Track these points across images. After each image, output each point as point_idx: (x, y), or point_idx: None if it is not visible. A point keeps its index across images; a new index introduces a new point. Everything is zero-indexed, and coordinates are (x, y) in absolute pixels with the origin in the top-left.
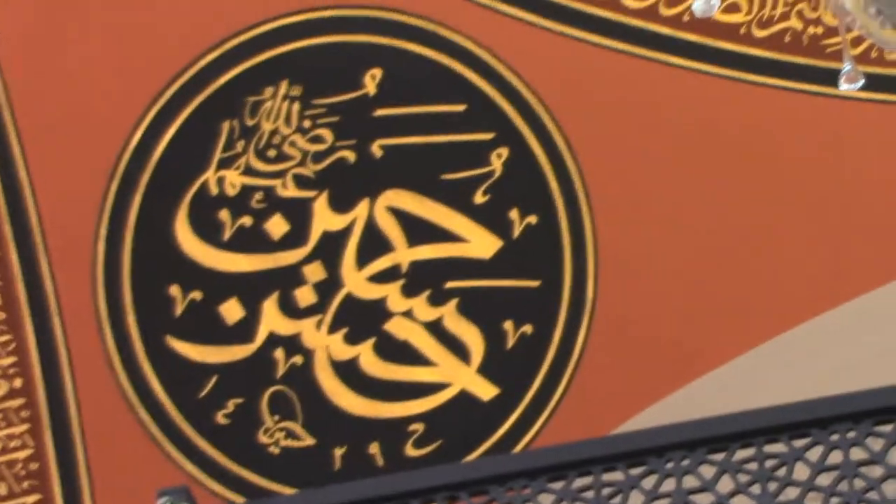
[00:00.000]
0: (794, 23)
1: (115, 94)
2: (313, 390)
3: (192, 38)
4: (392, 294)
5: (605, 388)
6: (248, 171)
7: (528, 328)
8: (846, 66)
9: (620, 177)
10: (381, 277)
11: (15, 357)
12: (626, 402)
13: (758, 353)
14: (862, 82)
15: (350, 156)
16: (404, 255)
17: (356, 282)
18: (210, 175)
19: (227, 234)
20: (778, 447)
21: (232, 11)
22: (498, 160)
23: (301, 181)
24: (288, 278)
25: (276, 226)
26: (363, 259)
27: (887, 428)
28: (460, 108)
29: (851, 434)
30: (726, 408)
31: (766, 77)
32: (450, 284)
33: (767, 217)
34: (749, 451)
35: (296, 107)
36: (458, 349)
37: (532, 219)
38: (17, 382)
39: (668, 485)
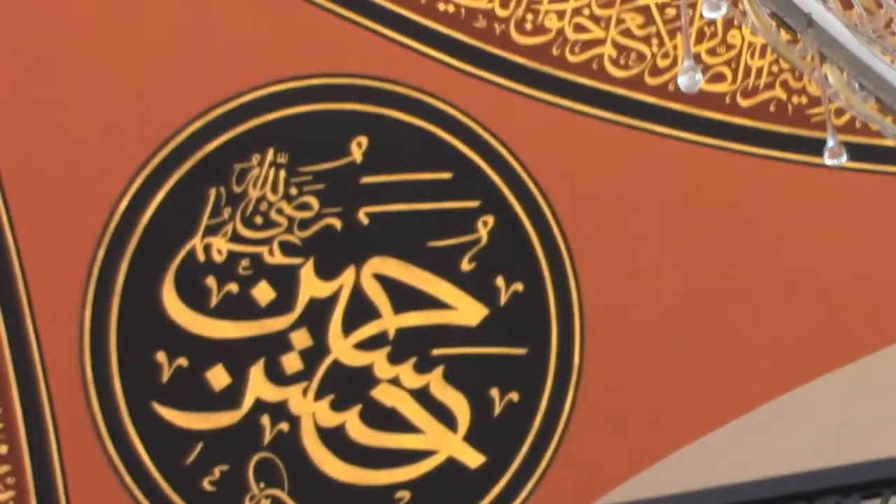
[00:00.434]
0: (779, 92)
1: (102, 160)
2: (300, 457)
3: (180, 106)
4: (378, 361)
5: (593, 456)
6: (235, 237)
7: (514, 395)
8: (829, 142)
9: (606, 244)
10: (368, 344)
11: (0, 423)
12: (614, 469)
13: (744, 421)
14: (845, 158)
15: (336, 223)
16: (391, 322)
17: (343, 349)
18: (197, 242)
19: (213, 301)
20: None
21: (219, 79)
22: (484, 228)
23: (288, 248)
24: (274, 345)
25: (263, 292)
26: (350, 326)
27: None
28: (446, 175)
29: None
30: (712, 476)
31: (750, 146)
32: (436, 352)
33: (752, 286)
34: None
35: (282, 174)
36: (445, 416)
37: (518, 286)
38: (3, 449)
39: None
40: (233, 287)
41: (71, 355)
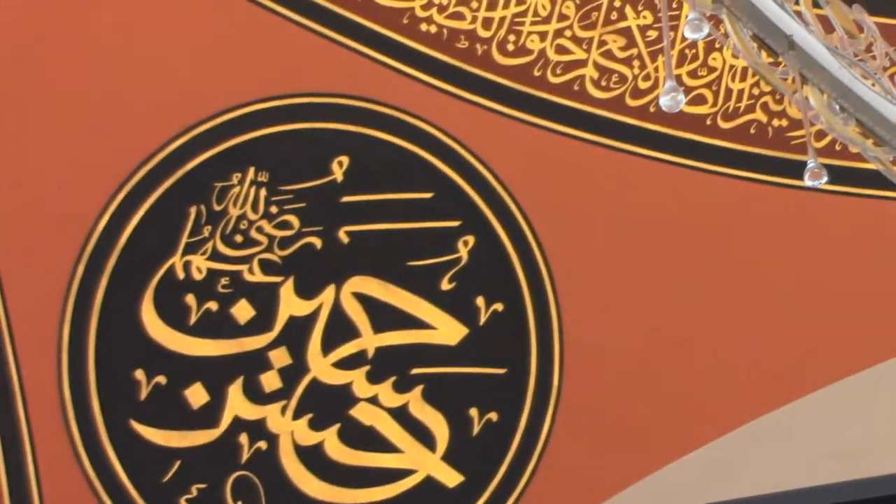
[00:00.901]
0: (759, 115)
1: (82, 178)
2: (277, 476)
3: (161, 124)
4: (357, 380)
5: (571, 476)
6: (215, 255)
7: (493, 415)
8: (810, 163)
9: (586, 265)
10: (347, 363)
11: None
12: (592, 489)
13: (724, 441)
14: (825, 179)
15: (317, 242)
16: (370, 341)
17: (322, 367)
18: (177, 260)
19: (192, 319)
20: None
21: (200, 98)
22: (464, 247)
23: (267, 266)
24: (253, 363)
25: (242, 311)
26: (329, 345)
27: None
28: (427, 195)
29: None
30: (692, 496)
31: (731, 168)
32: (415, 371)
33: (733, 306)
34: None
35: (263, 193)
36: (424, 436)
37: (498, 306)
38: None
39: None
40: (212, 305)
41: (49, 372)
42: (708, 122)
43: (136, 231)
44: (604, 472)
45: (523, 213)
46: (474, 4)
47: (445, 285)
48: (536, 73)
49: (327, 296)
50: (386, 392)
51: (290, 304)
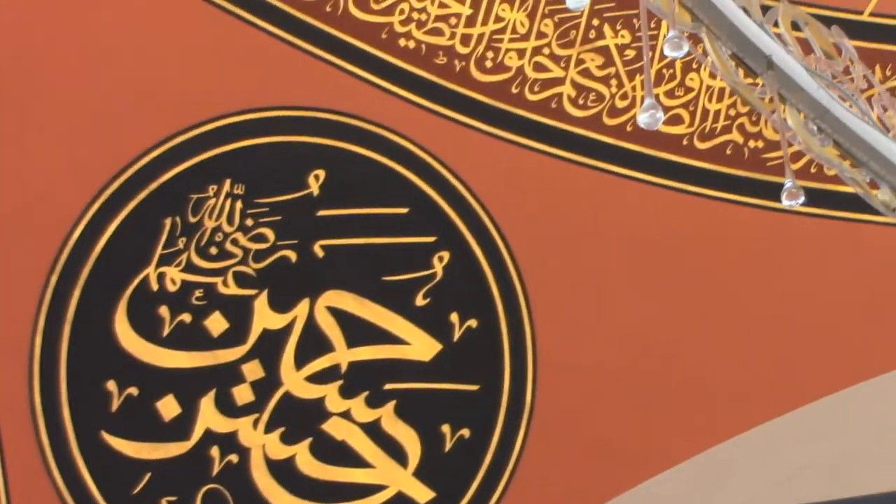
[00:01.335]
0: (736, 136)
1: (58, 187)
2: (248, 489)
3: (137, 135)
4: (330, 394)
5: (543, 493)
6: (189, 267)
7: (465, 431)
8: (787, 183)
9: (561, 282)
10: (320, 377)
11: None
12: None
13: (700, 459)
14: (803, 199)
15: (292, 255)
16: (343, 355)
17: (294, 381)
18: (151, 271)
19: (166, 330)
20: None
21: (177, 109)
22: (439, 263)
23: (242, 279)
24: (226, 376)
25: (216, 323)
26: (302, 359)
27: None
28: (403, 210)
29: None
30: None
31: (707, 188)
32: (388, 386)
33: (707, 325)
34: None
35: (238, 205)
36: (396, 451)
37: (472, 322)
38: None
39: None
40: (186, 317)
41: (20, 382)
42: (684, 141)
43: (111, 241)
44: (577, 488)
45: (499, 230)
46: (453, 21)
47: (420, 301)
48: (514, 91)
49: (301, 309)
50: (358, 407)
51: (264, 318)
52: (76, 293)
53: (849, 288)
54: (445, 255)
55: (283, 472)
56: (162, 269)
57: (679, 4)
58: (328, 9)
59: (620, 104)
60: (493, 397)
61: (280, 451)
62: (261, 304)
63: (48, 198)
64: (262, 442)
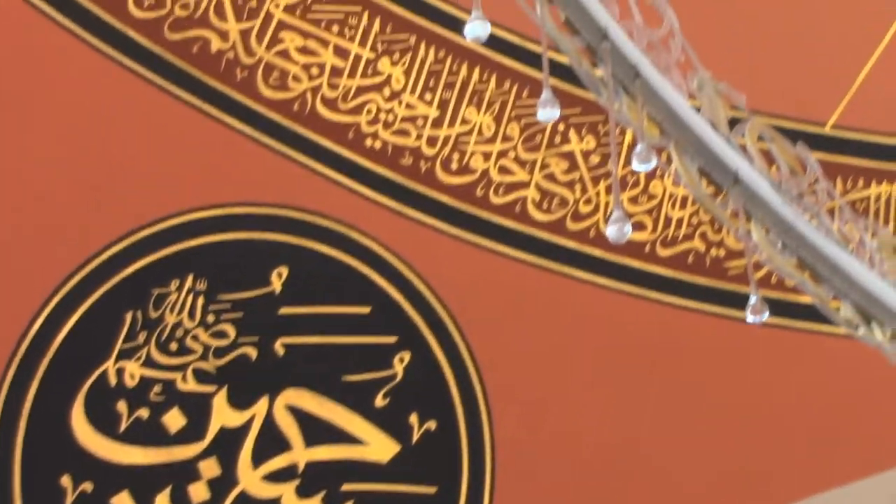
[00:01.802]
0: (698, 244)
1: (17, 279)
2: None
3: (99, 228)
4: (287, 494)
5: None
6: (149, 363)
7: None
8: (752, 299)
9: (521, 387)
10: (277, 477)
11: None
12: None
13: None
14: (767, 315)
15: (252, 352)
16: (301, 455)
17: (251, 480)
18: (110, 365)
19: (123, 426)
20: None
21: (141, 203)
22: (400, 364)
23: (201, 376)
24: (182, 473)
25: (174, 419)
26: (259, 457)
27: None
28: (365, 310)
29: None
30: None
31: (668, 295)
32: (346, 487)
33: (668, 430)
34: None
35: (200, 301)
36: None
37: (431, 424)
38: None
39: None
40: (143, 413)
41: None
42: (647, 248)
43: (70, 335)
44: None
45: (460, 332)
46: (420, 122)
47: (379, 401)
48: (479, 193)
49: (260, 407)
50: None
51: (223, 415)
52: (33, 388)
53: (809, 399)
54: (406, 355)
55: None
56: (121, 363)
57: (648, 118)
58: (296, 107)
59: (584, 209)
60: (450, 500)
61: None
62: (219, 401)
63: (7, 291)
64: None
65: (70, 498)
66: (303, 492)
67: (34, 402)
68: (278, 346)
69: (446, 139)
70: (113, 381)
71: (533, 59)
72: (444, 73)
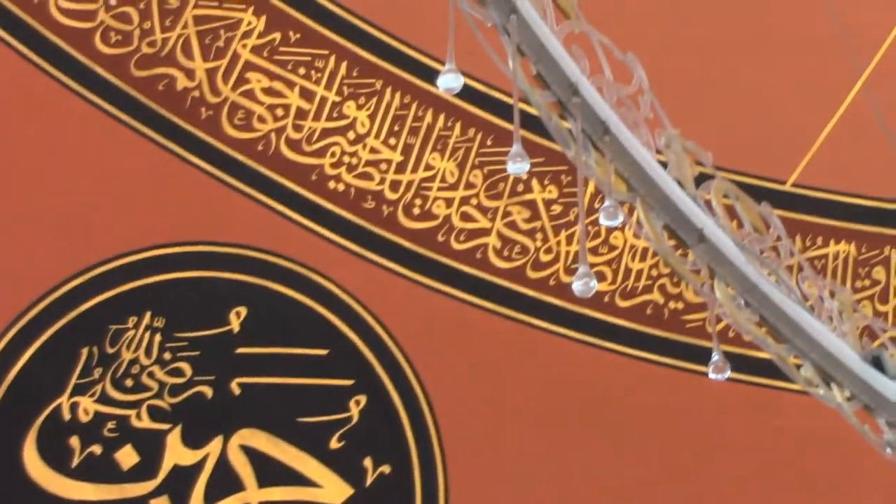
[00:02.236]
0: (657, 296)
1: None
2: None
3: (58, 262)
4: None
5: None
6: (104, 399)
7: None
8: (714, 356)
9: (477, 432)
10: None
11: None
12: None
13: None
14: (729, 373)
15: (208, 391)
16: (254, 495)
17: None
18: (64, 400)
19: (75, 462)
20: None
21: (100, 238)
22: (356, 407)
23: (156, 413)
24: None
25: (127, 456)
26: (212, 497)
27: None
28: (322, 352)
29: None
30: None
31: (626, 346)
32: None
33: (622, 480)
34: None
35: (157, 338)
36: None
37: (385, 468)
38: None
39: None
40: (96, 449)
41: None
42: (606, 299)
43: (25, 369)
44: None
45: (417, 377)
46: (383, 166)
47: (334, 444)
48: (440, 239)
49: (214, 446)
50: None
51: (176, 453)
52: None
53: (764, 453)
54: (363, 398)
55: None
56: (76, 398)
57: (616, 174)
58: (260, 147)
59: (545, 258)
60: None
61: None
62: (173, 439)
63: None
64: None
65: None
66: None
67: None
68: (234, 386)
69: (409, 184)
70: (67, 416)
71: (498, 108)
72: (409, 118)
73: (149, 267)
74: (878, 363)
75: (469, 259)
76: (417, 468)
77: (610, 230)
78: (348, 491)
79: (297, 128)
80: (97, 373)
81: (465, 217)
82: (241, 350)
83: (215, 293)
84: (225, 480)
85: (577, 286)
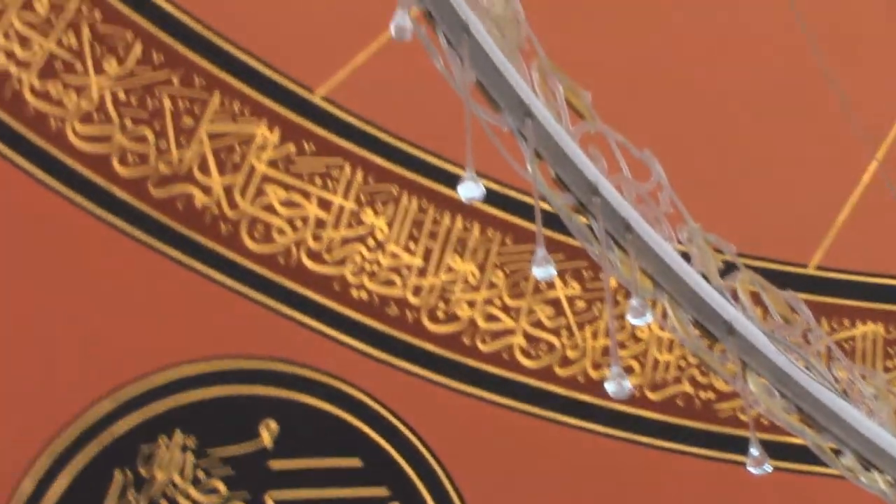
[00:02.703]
0: (687, 387)
1: (5, 439)
2: None
3: (85, 385)
4: None
5: None
6: None
7: None
8: (753, 451)
9: None
10: None
11: None
12: None
13: None
14: (769, 468)
15: None
16: None
17: None
18: None
19: None
20: None
21: (126, 359)
22: None
23: None
24: None
25: None
26: None
27: None
28: (356, 462)
29: None
30: None
31: (659, 439)
32: None
33: None
34: None
35: (190, 457)
36: None
37: None
38: None
39: None
40: None
41: None
42: (635, 393)
43: (61, 496)
44: None
45: (452, 482)
46: (405, 272)
47: None
48: (466, 341)
49: None
50: None
51: None
52: None
53: None
54: None
55: None
56: None
57: (640, 271)
58: (281, 260)
59: (572, 355)
60: None
61: None
62: None
63: None
64: None
65: None
66: None
67: None
68: (269, 501)
69: (432, 288)
70: None
71: (515, 207)
72: (428, 222)
73: (176, 386)
74: None
75: (496, 360)
76: None
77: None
78: None
79: (317, 238)
80: (132, 496)
81: (490, 318)
82: (274, 465)
83: (245, 408)
84: None
85: (611, 387)
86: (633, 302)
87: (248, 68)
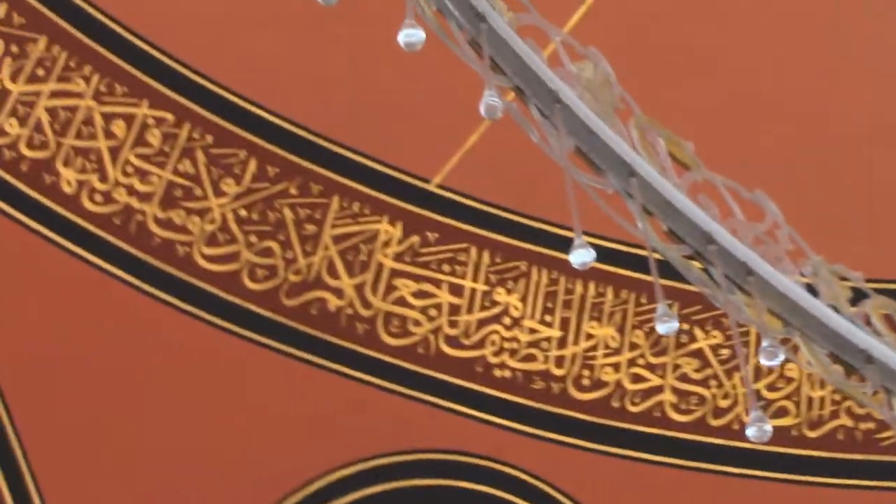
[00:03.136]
0: (845, 420)
1: None
2: None
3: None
4: None
5: None
6: None
7: None
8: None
9: None
10: None
11: None
12: None
13: None
14: None
15: None
16: None
17: None
18: None
19: None
20: None
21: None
22: None
23: None
24: None
25: None
26: None
27: None
28: None
29: None
30: None
31: (822, 477)
32: None
33: None
34: None
35: None
36: None
37: None
38: None
39: None
40: None
41: None
42: (794, 432)
43: None
44: None
45: None
46: (544, 345)
47: None
48: (615, 405)
49: None
50: None
51: None
52: None
53: None
54: None
55: None
56: None
57: (768, 312)
58: (420, 350)
59: (723, 403)
60: None
61: None
62: None
63: None
64: None
65: None
66: None
67: None
68: None
69: (574, 357)
70: None
71: (644, 265)
72: (560, 292)
73: (336, 490)
74: None
75: (647, 419)
76: None
77: (784, 363)
78: None
79: (453, 324)
80: None
81: (636, 378)
82: None
83: (406, 502)
84: None
85: (752, 432)
86: (765, 343)
87: (362, 168)
